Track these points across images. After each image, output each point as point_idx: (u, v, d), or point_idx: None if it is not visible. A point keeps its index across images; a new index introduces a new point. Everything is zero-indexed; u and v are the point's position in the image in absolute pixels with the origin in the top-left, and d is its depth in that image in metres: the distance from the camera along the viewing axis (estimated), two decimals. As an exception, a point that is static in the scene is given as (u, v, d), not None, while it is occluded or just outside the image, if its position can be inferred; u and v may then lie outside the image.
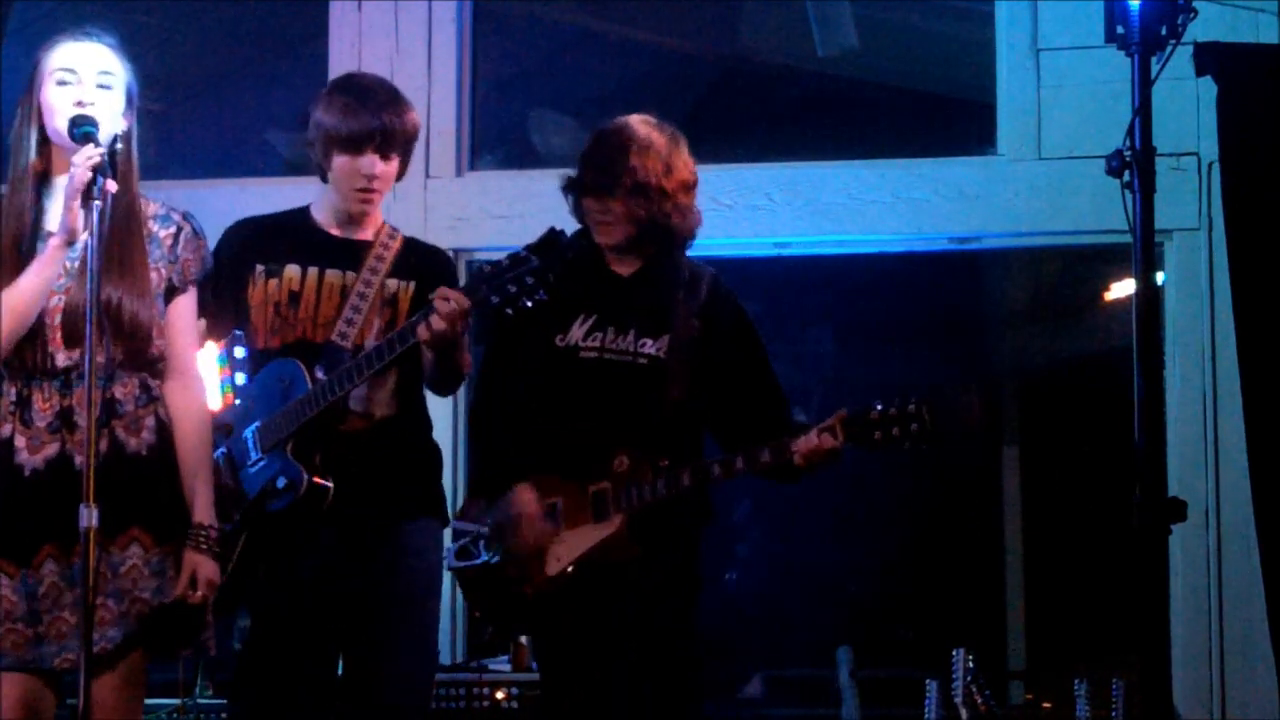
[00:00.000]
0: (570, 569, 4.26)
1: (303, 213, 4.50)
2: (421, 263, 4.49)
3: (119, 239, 3.82)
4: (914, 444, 4.18)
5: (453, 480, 6.02)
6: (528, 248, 4.10)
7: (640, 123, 4.39)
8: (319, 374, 4.27)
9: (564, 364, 4.36)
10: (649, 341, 4.37)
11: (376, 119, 4.34)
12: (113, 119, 3.85)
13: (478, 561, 4.32)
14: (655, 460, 4.28)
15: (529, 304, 4.07)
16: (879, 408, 4.19)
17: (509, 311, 4.07)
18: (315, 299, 4.38)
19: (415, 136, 4.49)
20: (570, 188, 4.45)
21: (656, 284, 4.41)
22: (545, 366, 4.38)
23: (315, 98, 4.46)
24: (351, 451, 4.29)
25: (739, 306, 4.51)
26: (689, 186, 4.38)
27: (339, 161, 4.36)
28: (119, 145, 3.86)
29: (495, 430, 4.46)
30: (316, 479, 4.23)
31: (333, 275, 4.40)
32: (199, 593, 3.80)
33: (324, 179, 4.45)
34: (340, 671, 4.31)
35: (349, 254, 4.42)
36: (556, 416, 4.34)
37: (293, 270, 4.38)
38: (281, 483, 4.24)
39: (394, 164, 4.43)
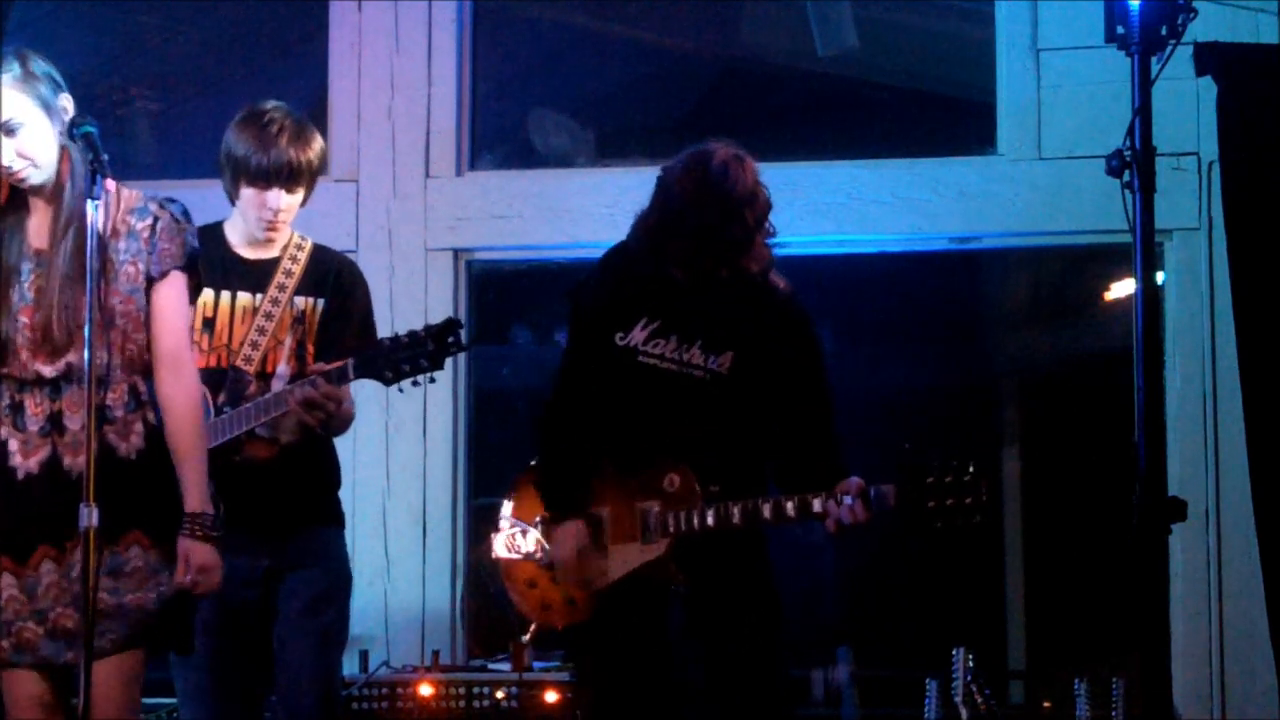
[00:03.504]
0: (610, 584, 4.24)
1: (216, 230, 4.55)
2: (329, 277, 4.57)
3: (80, 245, 3.84)
4: (966, 519, 3.99)
5: (451, 476, 6.02)
6: (426, 329, 4.31)
7: (739, 178, 4.17)
8: (221, 398, 4.40)
9: (620, 364, 4.28)
10: (713, 356, 4.26)
11: (283, 155, 4.42)
12: (41, 149, 3.85)
13: (519, 555, 4.36)
14: (706, 485, 4.20)
15: (417, 382, 4.31)
16: (933, 475, 4.01)
17: (399, 388, 4.34)
18: (229, 325, 4.48)
19: (322, 165, 4.58)
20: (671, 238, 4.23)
21: (723, 293, 4.27)
22: (603, 364, 4.30)
23: (231, 122, 4.51)
24: (254, 475, 4.39)
25: (811, 329, 4.36)
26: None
27: (246, 193, 4.46)
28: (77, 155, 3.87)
29: (566, 434, 4.34)
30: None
31: (244, 298, 4.50)
32: (191, 577, 3.80)
33: (231, 202, 4.52)
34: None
35: (259, 275, 4.51)
36: (615, 419, 4.28)
37: (206, 295, 4.45)
38: None
39: (299, 195, 4.52)
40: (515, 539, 4.37)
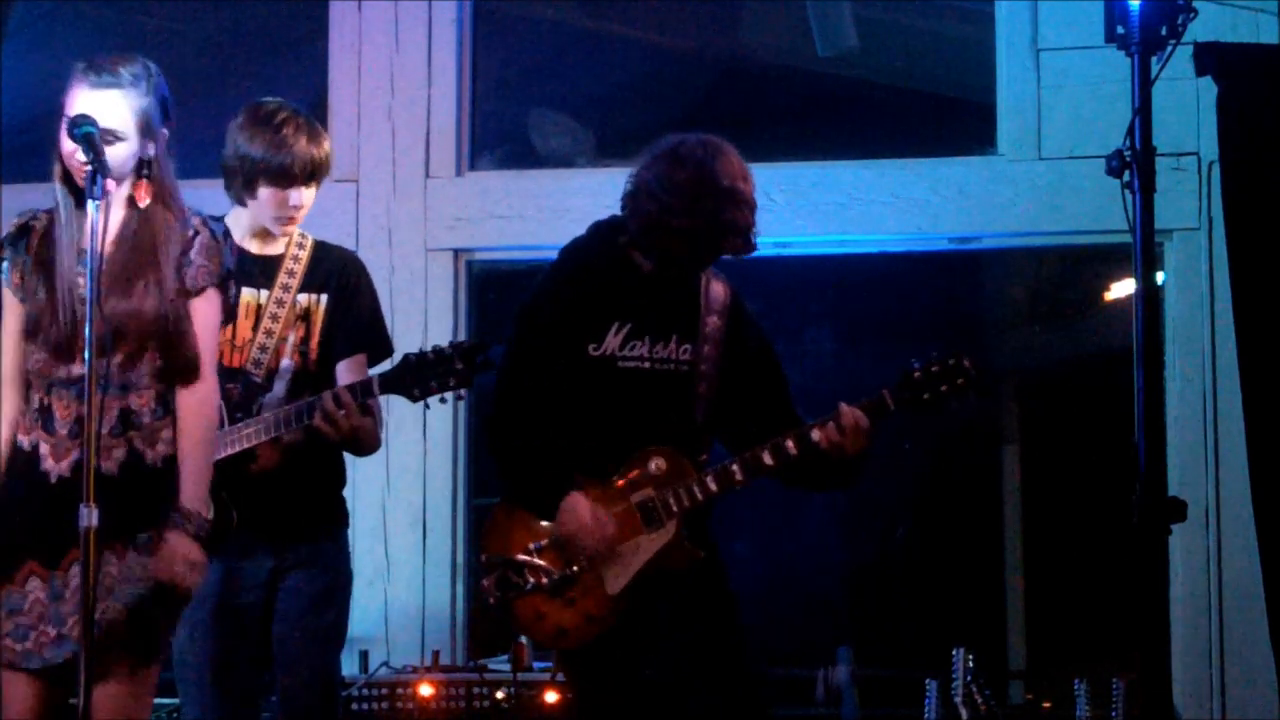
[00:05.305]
0: (627, 584, 4.19)
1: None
2: (332, 273, 4.56)
3: (135, 253, 3.86)
4: (961, 398, 4.16)
5: (451, 476, 6.02)
6: (454, 347, 4.33)
7: (742, 180, 4.21)
8: (234, 405, 4.38)
9: (599, 374, 4.24)
10: (689, 347, 4.29)
11: (304, 153, 4.42)
12: (118, 167, 3.85)
13: (527, 589, 4.21)
14: (694, 457, 4.22)
15: (444, 399, 4.34)
16: (918, 366, 4.17)
17: (426, 403, 4.37)
18: (233, 319, 4.43)
19: (331, 160, 4.57)
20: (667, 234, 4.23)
21: (679, 282, 4.31)
22: (577, 376, 4.24)
23: (233, 123, 4.49)
24: (260, 478, 4.39)
25: (752, 315, 4.44)
26: None
27: (266, 193, 4.44)
28: (147, 171, 3.88)
29: (529, 440, 4.25)
30: (218, 515, 4.26)
31: (248, 294, 4.48)
32: (177, 570, 3.79)
33: (240, 203, 4.51)
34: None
35: (263, 271, 4.50)
36: (593, 427, 4.23)
37: None
38: None
39: (314, 189, 4.51)
40: (509, 576, 4.24)
